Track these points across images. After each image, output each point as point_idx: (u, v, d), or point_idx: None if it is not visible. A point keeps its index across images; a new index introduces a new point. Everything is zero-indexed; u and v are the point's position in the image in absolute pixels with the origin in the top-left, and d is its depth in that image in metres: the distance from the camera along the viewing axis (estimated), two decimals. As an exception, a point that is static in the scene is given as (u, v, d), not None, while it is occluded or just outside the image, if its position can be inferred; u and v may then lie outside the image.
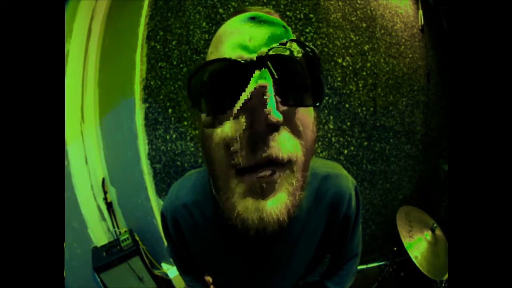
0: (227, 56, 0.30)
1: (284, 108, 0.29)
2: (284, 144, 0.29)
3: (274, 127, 0.28)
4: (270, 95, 0.26)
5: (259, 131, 0.28)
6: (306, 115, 0.33)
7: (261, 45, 0.30)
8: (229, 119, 0.30)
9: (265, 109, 0.26)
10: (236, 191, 0.30)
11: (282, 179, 0.30)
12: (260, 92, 0.26)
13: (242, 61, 0.28)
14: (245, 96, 0.27)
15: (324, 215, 0.48)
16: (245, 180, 0.30)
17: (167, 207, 0.52)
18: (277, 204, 0.30)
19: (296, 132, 0.31)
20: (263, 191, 0.30)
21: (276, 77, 0.28)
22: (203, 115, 0.34)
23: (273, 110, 0.27)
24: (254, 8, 0.37)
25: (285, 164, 0.30)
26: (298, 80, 0.30)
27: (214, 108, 0.30)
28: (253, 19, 0.33)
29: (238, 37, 0.31)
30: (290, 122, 0.30)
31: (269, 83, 0.26)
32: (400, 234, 1.30)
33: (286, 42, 0.29)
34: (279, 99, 0.29)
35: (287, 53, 0.29)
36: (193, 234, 0.51)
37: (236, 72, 0.28)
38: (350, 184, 0.49)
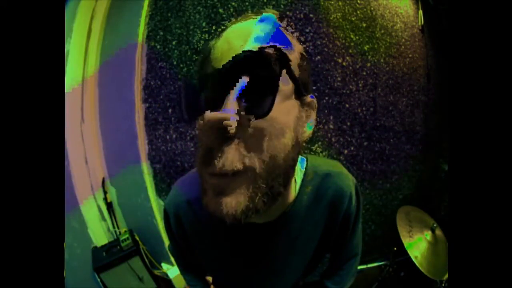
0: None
1: (240, 119, 0.30)
2: (235, 157, 0.30)
3: (227, 139, 0.30)
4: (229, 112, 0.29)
5: (213, 144, 0.30)
6: (268, 125, 0.32)
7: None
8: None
9: (223, 122, 0.29)
10: (207, 191, 0.34)
11: (240, 185, 0.31)
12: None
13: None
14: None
15: (324, 213, 0.48)
16: (212, 181, 0.32)
17: (170, 203, 0.52)
18: (232, 203, 0.31)
19: (253, 144, 0.31)
20: (223, 192, 0.32)
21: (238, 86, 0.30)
22: None
23: (231, 124, 0.29)
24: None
25: (241, 174, 0.31)
26: (257, 86, 0.30)
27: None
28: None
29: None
30: (244, 134, 0.31)
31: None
32: (400, 234, 1.30)
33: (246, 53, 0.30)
34: (235, 110, 0.30)
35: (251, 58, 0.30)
36: (195, 231, 0.51)
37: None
38: (350, 182, 0.49)
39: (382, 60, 1.62)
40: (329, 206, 0.48)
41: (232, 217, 0.31)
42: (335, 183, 0.48)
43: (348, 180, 0.49)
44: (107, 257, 1.54)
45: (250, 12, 0.38)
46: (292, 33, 0.38)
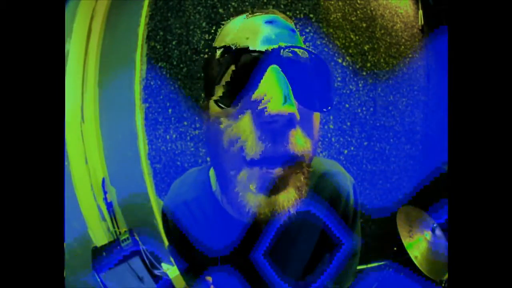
0: (253, 47, 0.31)
1: (299, 108, 0.31)
2: (299, 141, 0.30)
3: (292, 124, 0.30)
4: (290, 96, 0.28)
5: (279, 126, 0.29)
6: (315, 117, 0.35)
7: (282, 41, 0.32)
8: (247, 112, 0.31)
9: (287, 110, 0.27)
10: (247, 186, 0.31)
11: (292, 175, 0.31)
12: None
13: (269, 49, 0.30)
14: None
15: (322, 213, 0.48)
16: (258, 174, 0.30)
17: (167, 204, 0.52)
18: (288, 198, 0.31)
19: (307, 131, 0.33)
20: (275, 187, 0.31)
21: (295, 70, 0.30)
22: (214, 105, 0.34)
23: (293, 108, 0.28)
24: (265, 11, 0.38)
25: (298, 159, 0.31)
26: (312, 84, 0.32)
27: (234, 97, 0.31)
28: (273, 21, 0.35)
29: (262, 32, 0.33)
30: (303, 122, 0.32)
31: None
32: (400, 234, 1.30)
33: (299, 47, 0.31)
34: (296, 102, 0.30)
35: (305, 55, 0.31)
36: (193, 232, 0.51)
37: (260, 62, 0.29)
38: (348, 182, 0.49)
39: (382, 60, 1.62)
40: (327, 205, 0.48)
41: (285, 214, 0.31)
42: (332, 183, 0.48)
43: (346, 180, 0.49)
44: (107, 257, 1.54)
45: (253, 10, 0.38)
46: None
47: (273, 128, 0.28)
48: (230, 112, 0.32)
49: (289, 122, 0.28)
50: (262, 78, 0.29)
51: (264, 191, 0.30)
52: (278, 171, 0.30)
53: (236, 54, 0.30)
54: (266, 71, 0.29)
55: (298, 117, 0.29)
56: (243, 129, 0.31)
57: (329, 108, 0.33)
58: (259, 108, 0.28)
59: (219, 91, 0.31)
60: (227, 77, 0.31)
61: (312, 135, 0.33)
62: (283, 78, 0.28)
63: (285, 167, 0.30)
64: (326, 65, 0.32)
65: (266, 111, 0.27)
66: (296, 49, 0.30)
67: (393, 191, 1.76)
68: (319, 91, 0.32)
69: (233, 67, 0.31)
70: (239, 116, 0.31)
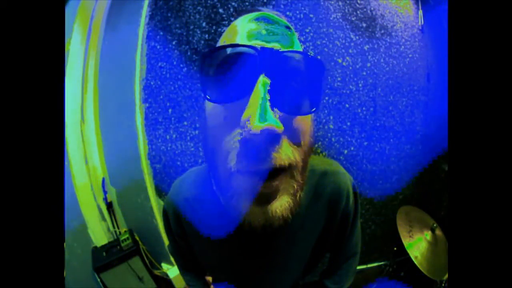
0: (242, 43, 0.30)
1: (283, 116, 0.30)
2: (285, 153, 0.30)
3: (276, 138, 0.29)
4: (267, 108, 0.27)
5: (259, 142, 0.28)
6: (303, 121, 0.34)
7: (275, 39, 0.32)
8: (236, 120, 0.30)
9: (270, 127, 0.27)
10: (239, 195, 0.31)
11: (284, 184, 0.31)
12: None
13: (258, 47, 0.29)
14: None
15: (323, 212, 0.48)
16: (247, 186, 0.30)
17: (169, 203, 0.52)
18: (281, 206, 0.31)
19: (294, 138, 0.32)
20: (266, 198, 0.31)
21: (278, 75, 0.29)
22: (210, 105, 0.34)
23: (277, 124, 0.27)
24: (265, 10, 0.38)
25: (286, 170, 0.31)
26: (299, 87, 0.31)
27: (221, 94, 0.30)
28: (265, 18, 0.34)
29: (253, 28, 0.32)
30: (289, 130, 0.31)
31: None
32: (400, 234, 1.31)
33: (296, 51, 0.31)
34: (279, 111, 0.29)
35: (296, 57, 0.30)
36: (193, 230, 0.51)
37: (248, 59, 0.29)
38: (348, 181, 0.50)
39: (382, 60, 1.62)
40: (327, 204, 0.48)
41: (280, 221, 0.31)
42: (333, 182, 0.48)
43: (346, 179, 0.49)
44: (107, 257, 1.54)
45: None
46: None
47: (254, 144, 0.28)
48: (222, 118, 0.32)
49: (269, 137, 0.27)
50: (252, 80, 0.28)
51: (255, 201, 0.30)
52: (265, 183, 0.29)
53: (224, 49, 0.30)
54: (257, 77, 0.28)
55: (281, 129, 0.27)
56: (228, 142, 0.31)
57: (314, 110, 0.32)
58: (241, 126, 0.28)
59: (210, 87, 0.31)
60: (217, 73, 0.31)
61: (301, 142, 0.33)
62: (265, 94, 0.27)
63: (273, 179, 0.30)
64: (322, 64, 0.31)
65: (246, 127, 0.27)
66: (290, 53, 0.30)
67: (393, 192, 1.76)
68: (307, 93, 0.31)
69: (221, 63, 0.30)
70: (226, 126, 0.31)
